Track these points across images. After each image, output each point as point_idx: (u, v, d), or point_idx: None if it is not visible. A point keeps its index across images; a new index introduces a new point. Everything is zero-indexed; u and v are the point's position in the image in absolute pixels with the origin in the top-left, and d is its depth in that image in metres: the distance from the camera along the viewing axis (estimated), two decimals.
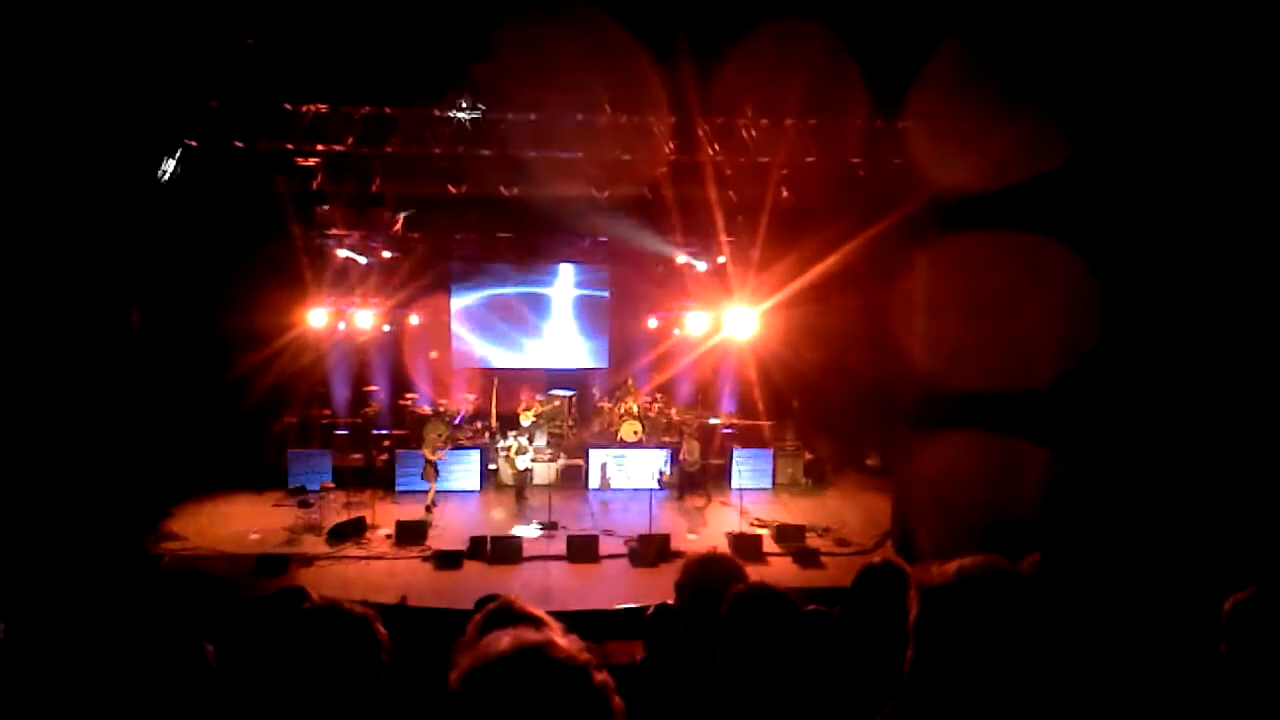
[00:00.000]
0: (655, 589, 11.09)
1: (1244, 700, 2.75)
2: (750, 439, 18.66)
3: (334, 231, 18.23)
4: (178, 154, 12.98)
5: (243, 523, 15.05)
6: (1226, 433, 8.93)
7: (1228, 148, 8.57)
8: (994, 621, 2.01)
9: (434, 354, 20.55)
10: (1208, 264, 8.98)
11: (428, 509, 15.53)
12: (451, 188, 14.70)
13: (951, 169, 11.42)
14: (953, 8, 10.26)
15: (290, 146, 13.26)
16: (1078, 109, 9.51)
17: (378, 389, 19.55)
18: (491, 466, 17.80)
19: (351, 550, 13.83)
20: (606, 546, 13.80)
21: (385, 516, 14.96)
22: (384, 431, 18.60)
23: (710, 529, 15.18)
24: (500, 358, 20.86)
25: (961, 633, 2.02)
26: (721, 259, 19.46)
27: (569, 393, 19.87)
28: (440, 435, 16.48)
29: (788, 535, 14.43)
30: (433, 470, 15.87)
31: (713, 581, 3.31)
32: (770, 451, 18.21)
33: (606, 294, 21.38)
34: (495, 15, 10.68)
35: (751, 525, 15.13)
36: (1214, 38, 8.25)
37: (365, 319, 18.65)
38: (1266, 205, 8.46)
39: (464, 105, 12.83)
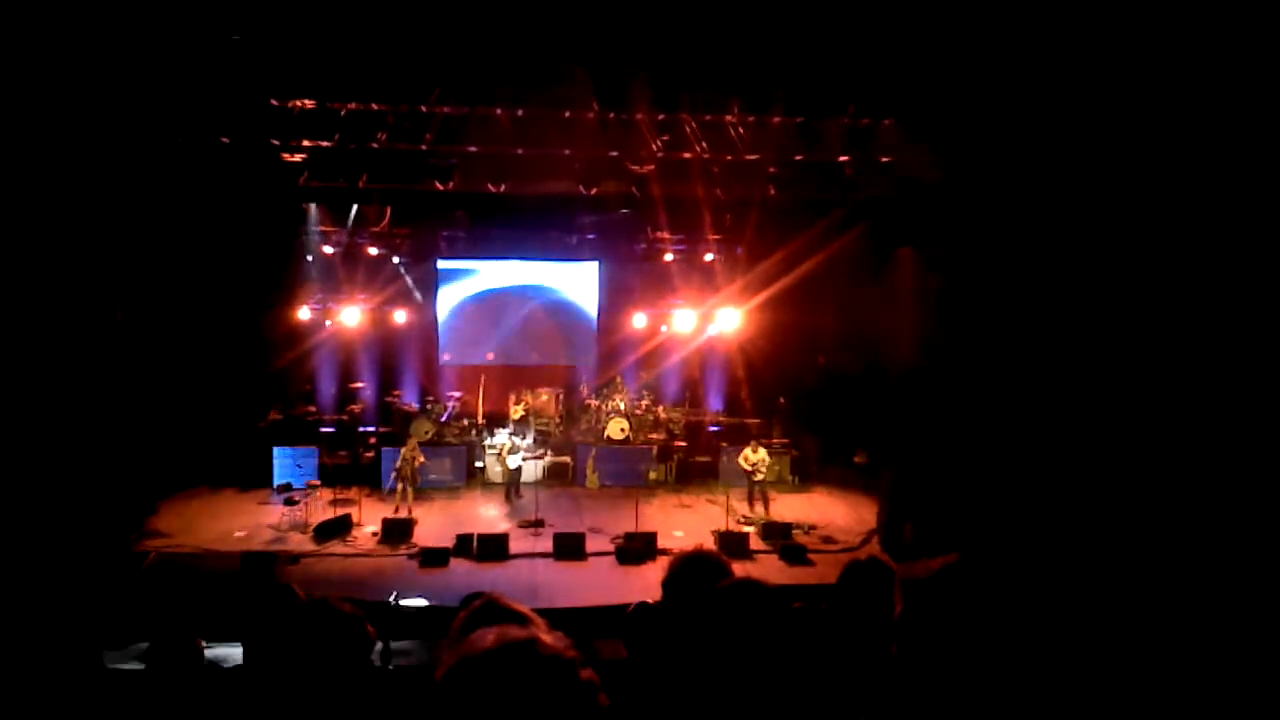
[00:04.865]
0: (641, 586, 11.12)
1: (1225, 694, 2.78)
2: (737, 436, 18.68)
3: (321, 228, 18.18)
4: None
5: (228, 520, 15.01)
6: (1209, 430, 8.98)
7: (1208, 140, 8.61)
8: (979, 616, 2.02)
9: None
10: (1186, 262, 9.03)
11: (396, 509, 15.40)
12: (439, 184, 14.66)
13: (934, 167, 11.47)
14: (939, 7, 10.27)
15: (276, 142, 13.21)
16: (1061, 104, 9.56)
17: (364, 385, 19.51)
18: (478, 464, 17.77)
19: (338, 548, 13.81)
20: (593, 544, 13.81)
21: (371, 514, 14.94)
22: (370, 429, 18.56)
23: (696, 526, 15.20)
24: (487, 355, 20.82)
25: (946, 629, 2.03)
26: (709, 256, 19.50)
27: (556, 390, 19.87)
28: (427, 432, 16.40)
29: (774, 532, 14.46)
30: (410, 472, 15.80)
31: (699, 579, 3.31)
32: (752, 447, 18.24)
33: (594, 291, 21.38)
34: (483, 13, 10.65)
35: (738, 522, 15.16)
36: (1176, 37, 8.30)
37: (351, 315, 18.58)
38: (1246, 204, 8.50)
39: None
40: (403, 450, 15.92)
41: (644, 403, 19.62)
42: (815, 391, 18.39)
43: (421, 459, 16.03)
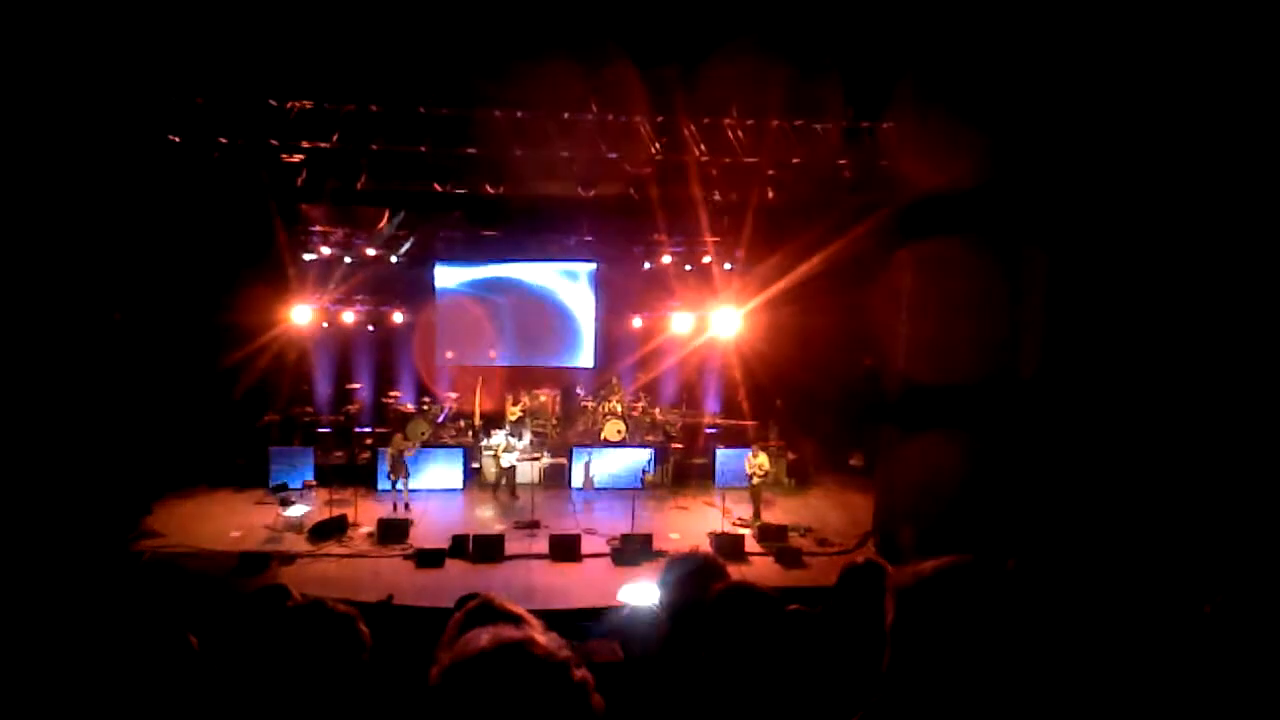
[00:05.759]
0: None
1: (1221, 699, 2.78)
2: (734, 438, 18.68)
3: (318, 228, 18.16)
4: None
5: (224, 520, 14.98)
6: (1206, 431, 9.00)
7: (1202, 146, 8.62)
8: (971, 621, 2.02)
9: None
10: (1182, 263, 9.05)
11: (394, 506, 15.47)
12: (437, 185, 14.66)
13: (932, 170, 11.48)
14: (936, 11, 10.30)
15: (275, 143, 13.21)
16: (1054, 111, 9.58)
17: (361, 386, 19.49)
18: (475, 465, 17.76)
19: (333, 548, 13.80)
20: (589, 545, 13.80)
21: (367, 514, 14.93)
22: (366, 429, 18.54)
23: (692, 528, 15.20)
24: (484, 356, 20.80)
25: (938, 632, 2.03)
26: (707, 259, 19.50)
27: (553, 392, 19.86)
28: (423, 433, 16.32)
29: (770, 535, 14.45)
30: (402, 467, 15.79)
31: (695, 581, 3.32)
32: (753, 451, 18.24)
33: (592, 293, 21.38)
34: (481, 13, 10.66)
35: (734, 525, 15.16)
36: (1189, 42, 8.30)
37: (349, 316, 18.56)
38: (1232, 206, 8.52)
39: None
40: (389, 450, 15.92)
41: (640, 404, 19.62)
42: (815, 394, 18.39)
43: (412, 449, 16.05)
